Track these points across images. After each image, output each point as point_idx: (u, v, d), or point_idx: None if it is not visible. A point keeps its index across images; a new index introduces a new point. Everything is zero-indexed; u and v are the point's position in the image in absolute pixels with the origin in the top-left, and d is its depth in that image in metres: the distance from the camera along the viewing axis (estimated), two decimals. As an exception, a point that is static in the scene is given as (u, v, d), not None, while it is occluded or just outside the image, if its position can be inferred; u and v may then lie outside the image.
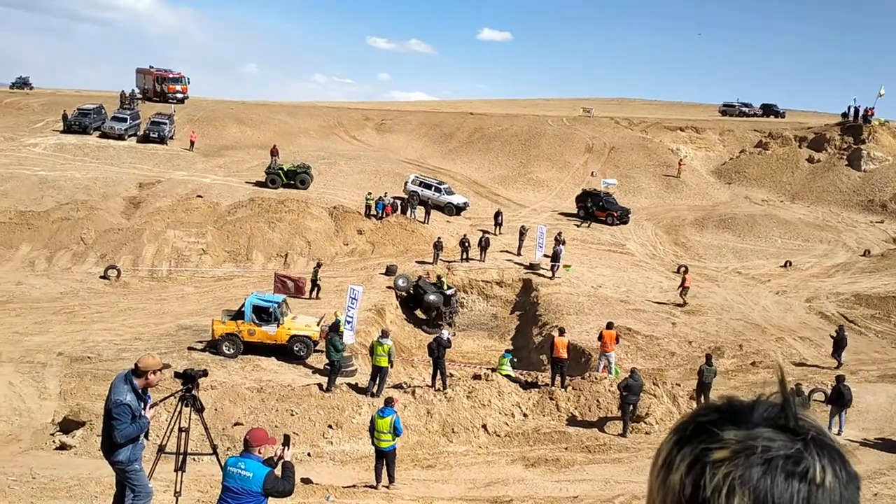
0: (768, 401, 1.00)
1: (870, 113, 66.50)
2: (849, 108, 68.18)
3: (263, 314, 24.87)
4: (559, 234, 41.12)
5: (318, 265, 33.76)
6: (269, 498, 7.66)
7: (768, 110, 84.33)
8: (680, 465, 0.95)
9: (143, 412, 7.92)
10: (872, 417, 22.82)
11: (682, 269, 37.24)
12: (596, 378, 22.86)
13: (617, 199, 51.43)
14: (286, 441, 8.11)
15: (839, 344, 28.40)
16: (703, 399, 22.09)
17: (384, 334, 21.66)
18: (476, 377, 22.83)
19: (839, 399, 20.65)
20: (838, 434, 20.49)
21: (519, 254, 40.31)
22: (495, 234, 41.24)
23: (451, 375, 22.89)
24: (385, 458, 15.90)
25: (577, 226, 48.06)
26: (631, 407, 20.33)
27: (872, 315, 35.73)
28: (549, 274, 37.13)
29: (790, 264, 44.26)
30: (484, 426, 20.13)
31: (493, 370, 24.14)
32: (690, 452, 0.95)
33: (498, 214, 44.35)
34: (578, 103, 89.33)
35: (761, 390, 1.02)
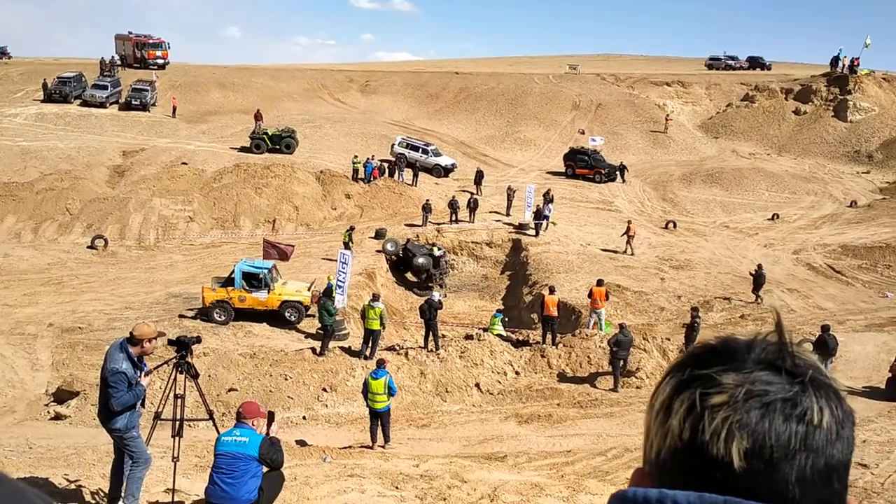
0: (765, 340, 0.99)
1: (856, 63, 66.32)
2: (834, 59, 67.98)
3: (253, 280, 24.86)
4: (548, 190, 41.09)
5: (352, 228, 33.89)
6: (262, 466, 7.73)
7: (755, 63, 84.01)
8: (679, 409, 0.95)
9: (139, 380, 7.94)
10: (860, 366, 23.12)
11: (628, 222, 37.49)
12: (586, 335, 23.06)
13: (605, 156, 51.33)
14: (270, 418, 8.20)
15: (758, 281, 29.42)
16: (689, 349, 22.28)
17: (375, 297, 21.72)
18: (468, 337, 22.99)
19: (823, 348, 20.88)
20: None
21: (508, 214, 40.30)
22: (475, 195, 41.15)
23: (444, 336, 23.03)
24: (380, 419, 16.06)
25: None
26: (621, 362, 20.55)
27: (859, 265, 36.02)
28: (534, 232, 37.19)
29: (777, 217, 44.48)
30: (477, 385, 20.32)
31: (485, 330, 24.32)
32: (689, 397, 0.95)
33: (479, 174, 44.16)
34: (564, 60, 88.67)
35: (757, 333, 1.02)
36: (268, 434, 7.95)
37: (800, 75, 70.51)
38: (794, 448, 0.90)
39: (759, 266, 30.54)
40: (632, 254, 35.65)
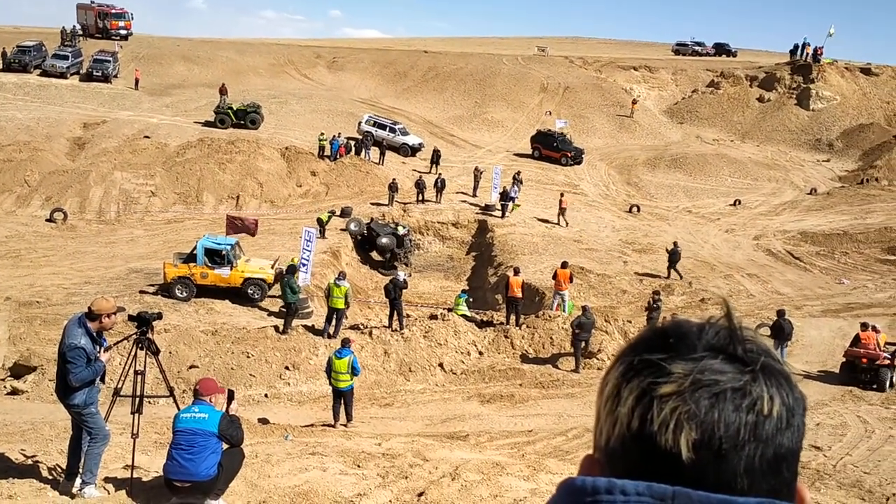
0: (716, 326, 0.97)
1: (820, 52, 67.21)
2: (797, 47, 68.84)
3: (216, 257, 24.61)
4: (518, 172, 41.23)
5: (333, 212, 33.77)
6: (222, 443, 7.70)
7: (721, 49, 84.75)
8: (627, 398, 0.93)
9: (98, 355, 7.84)
10: (816, 351, 23.64)
11: (561, 195, 38.13)
12: (550, 316, 23.24)
13: (571, 138, 51.52)
14: (230, 396, 8.16)
15: (672, 258, 30.43)
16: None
17: (341, 276, 21.65)
18: (433, 317, 23.05)
19: (779, 333, 21.29)
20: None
21: (474, 195, 40.33)
22: (430, 173, 41.13)
23: (408, 316, 23.06)
24: (343, 398, 16.07)
25: None
26: (583, 343, 20.77)
27: (817, 252, 36.77)
28: (500, 214, 37.33)
29: (739, 203, 45.13)
30: (440, 364, 20.40)
31: (450, 310, 24.39)
32: (638, 385, 0.93)
33: (436, 153, 44.07)
34: (533, 42, 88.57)
35: (710, 315, 1.00)
36: (227, 412, 7.91)
37: (764, 63, 71.34)
38: (743, 439, 0.89)
39: (675, 244, 31.50)
40: (566, 225, 36.85)
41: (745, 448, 0.89)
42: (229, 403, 8.08)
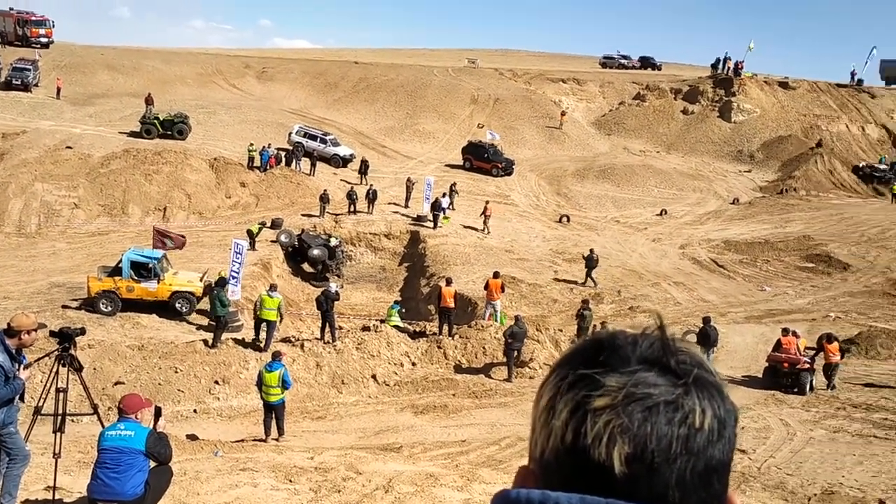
0: (650, 337, 0.98)
1: (740, 66, 69.61)
2: (718, 61, 71.17)
3: (142, 270, 24.02)
4: (453, 184, 41.48)
5: (264, 224, 33.20)
6: (149, 461, 7.51)
7: (646, 63, 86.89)
8: (562, 411, 0.94)
9: (17, 373, 7.56)
10: (740, 356, 24.35)
11: (486, 203, 38.71)
12: (482, 326, 23.39)
13: (502, 150, 52.04)
14: (157, 412, 7.96)
15: (589, 264, 31.29)
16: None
17: (273, 287, 21.39)
18: (365, 329, 22.94)
19: (705, 339, 21.87)
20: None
21: (406, 206, 40.36)
22: (361, 184, 41.09)
23: (340, 328, 22.90)
24: (274, 412, 15.84)
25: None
26: (515, 353, 20.94)
27: (740, 260, 37.93)
28: (432, 224, 37.44)
29: (665, 213, 46.26)
30: (373, 376, 20.30)
31: (382, 321, 24.32)
32: (572, 398, 0.94)
33: (363, 164, 44.03)
34: (464, 54, 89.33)
35: (643, 327, 1.01)
36: (154, 428, 7.72)
37: (688, 76, 73.41)
38: (675, 452, 0.90)
39: (591, 251, 32.28)
40: (488, 233, 37.26)
41: (677, 461, 0.90)
42: (156, 420, 7.88)
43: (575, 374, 0.96)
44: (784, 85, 69.81)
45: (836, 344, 21.29)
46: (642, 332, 0.99)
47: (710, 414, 0.92)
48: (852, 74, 73.98)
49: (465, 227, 38.06)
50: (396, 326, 23.74)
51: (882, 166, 56.87)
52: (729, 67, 69.90)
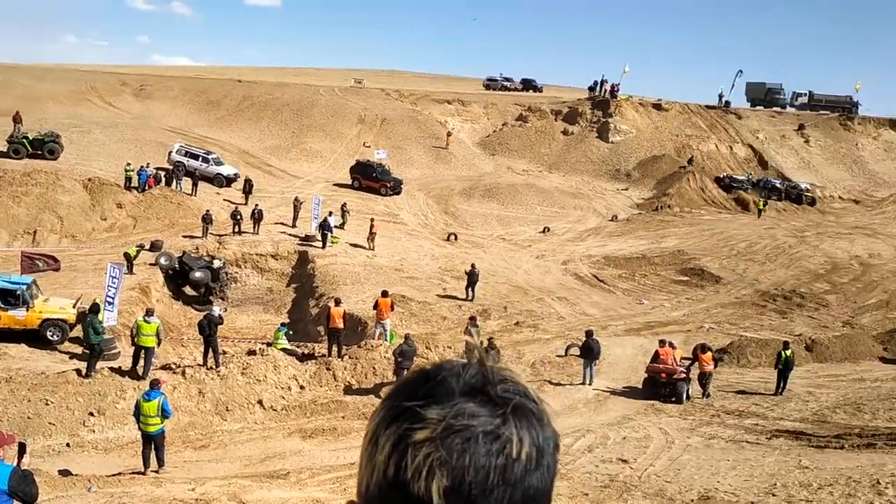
0: (473, 368, 0.99)
1: (616, 88, 72.54)
2: (596, 83, 73.99)
3: (10, 297, 22.64)
4: (344, 204, 41.19)
5: (142, 247, 31.77)
6: (14, 500, 7.04)
7: (528, 85, 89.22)
8: (385, 445, 0.94)
9: None
10: (621, 368, 25.14)
11: (371, 220, 38.97)
12: (372, 346, 23.25)
13: (390, 169, 52.15)
14: (21, 449, 7.49)
15: (471, 279, 31.90)
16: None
17: (149, 312, 20.58)
18: (251, 353, 22.40)
19: (588, 352, 22.51)
20: (588, 384, 22.47)
21: (294, 226, 39.78)
22: (245, 204, 40.34)
23: (224, 353, 22.27)
24: (153, 443, 15.21)
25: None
26: (406, 372, 20.83)
27: (620, 275, 39.28)
28: (320, 244, 37.05)
29: (548, 230, 47.44)
30: (259, 401, 19.80)
31: (269, 344, 23.83)
32: (394, 432, 0.94)
33: (248, 183, 43.24)
34: (350, 74, 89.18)
35: (467, 358, 1.01)
36: (19, 465, 7.25)
37: (568, 98, 75.81)
38: (492, 483, 0.90)
39: (473, 266, 32.83)
40: (373, 249, 37.34)
41: (495, 492, 0.90)
42: (21, 456, 7.41)
43: (399, 407, 0.96)
44: (658, 107, 73.12)
45: (709, 354, 22.31)
46: (469, 362, 1.00)
47: (527, 443, 0.93)
48: (720, 97, 78.44)
49: (354, 246, 37.84)
50: (284, 349, 23.30)
51: (740, 177, 61.53)
52: (606, 90, 72.74)
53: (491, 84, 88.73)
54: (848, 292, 37.28)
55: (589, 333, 23.32)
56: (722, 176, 61.97)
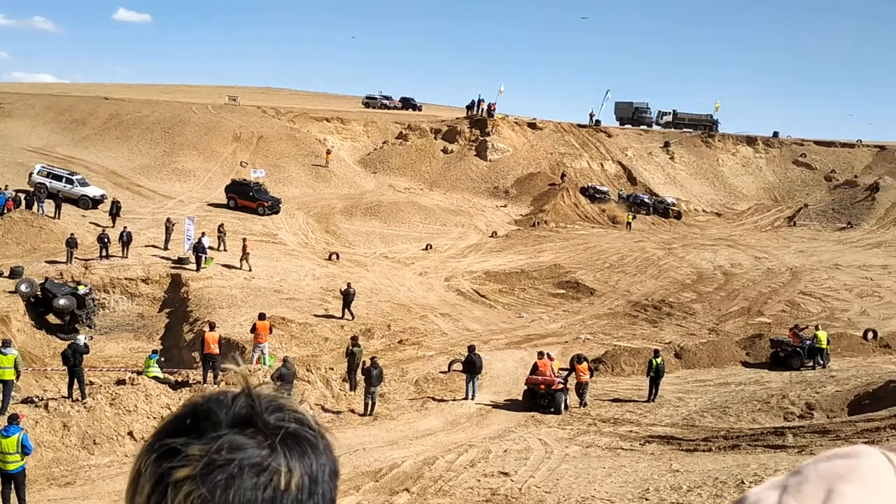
0: (242, 398, 0.95)
1: (493, 108, 74.14)
2: (473, 103, 75.43)
3: None
4: (221, 224, 40.02)
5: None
6: None
7: (407, 103, 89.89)
8: (144, 486, 0.90)
9: None
10: (503, 381, 25.53)
11: (243, 240, 38.40)
12: (250, 370, 22.50)
13: (268, 188, 51.23)
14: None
15: (346, 299, 31.96)
16: (353, 377, 23.08)
17: (6, 343, 19.33)
18: (120, 382, 21.34)
19: (470, 367, 22.77)
20: (471, 399, 22.71)
21: (166, 248, 38.36)
22: (112, 226, 38.74)
23: (91, 383, 21.16)
24: (13, 482, 14.30)
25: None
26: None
27: (500, 289, 39.97)
28: (194, 266, 35.92)
29: (431, 247, 47.77)
30: (130, 433, 18.89)
31: (140, 373, 22.81)
32: (155, 472, 0.90)
33: (115, 205, 41.53)
34: (224, 91, 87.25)
35: (237, 388, 0.97)
36: None
37: (447, 117, 76.87)
38: None
39: (349, 284, 32.73)
40: (249, 270, 36.53)
41: None
42: None
43: (161, 445, 0.91)
44: (532, 125, 75.22)
45: (585, 364, 23.00)
46: (227, 396, 0.96)
47: (298, 472, 0.91)
48: (591, 116, 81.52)
49: (229, 267, 36.84)
50: (156, 377, 22.35)
51: (603, 188, 65.25)
52: (483, 109, 74.20)
53: (370, 102, 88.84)
54: (713, 301, 39.28)
55: (471, 348, 23.61)
56: (587, 186, 64.86)
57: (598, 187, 65.34)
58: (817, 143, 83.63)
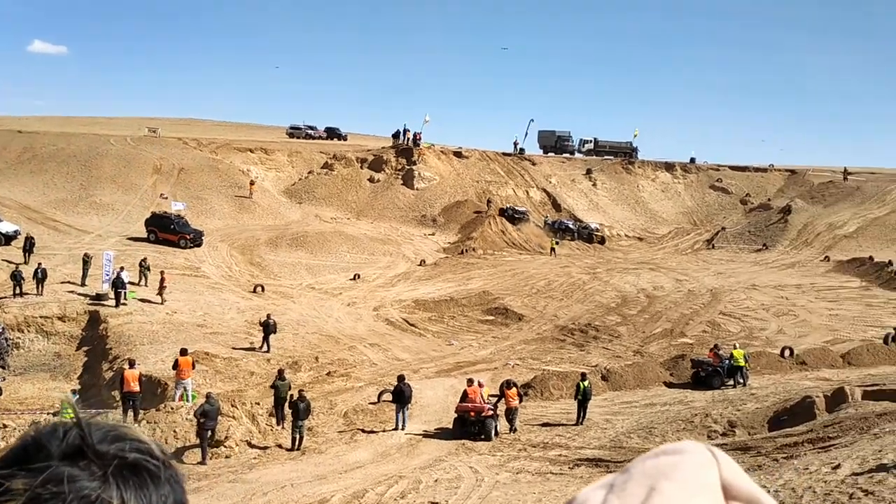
0: (73, 430, 0.91)
1: (418, 137, 74.65)
2: (398, 132, 75.87)
3: None
4: (144, 259, 38.93)
5: None
6: None
7: (332, 133, 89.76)
8: None
9: None
10: (433, 410, 25.41)
11: (161, 273, 37.64)
12: (172, 408, 22.03)
13: (190, 220, 50.22)
14: None
15: (266, 330, 31.60)
16: (280, 411, 22.66)
17: None
18: (35, 425, 20.45)
19: (400, 397, 22.63)
20: (401, 429, 22.54)
21: (83, 284, 37.12)
22: (26, 263, 37.37)
23: (5, 426, 20.24)
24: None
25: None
26: (209, 432, 19.97)
27: (429, 318, 39.94)
28: (114, 302, 34.85)
29: (359, 277, 47.47)
30: (45, 478, 18.08)
31: (56, 414, 21.93)
32: None
33: (28, 241, 40.02)
34: (144, 122, 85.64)
35: (68, 418, 0.94)
36: None
37: (372, 146, 76.98)
38: None
39: (269, 316, 32.26)
40: (163, 303, 35.72)
41: None
42: None
43: None
44: (458, 154, 75.98)
45: (514, 389, 23.10)
46: (57, 427, 0.93)
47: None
48: (515, 144, 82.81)
49: (150, 302, 35.85)
50: (72, 419, 21.51)
51: (521, 209, 66.43)
52: (409, 138, 74.64)
53: (295, 132, 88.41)
54: (637, 323, 40.07)
55: (400, 378, 23.47)
56: (506, 208, 65.87)
57: (516, 208, 66.42)
58: (732, 168, 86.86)
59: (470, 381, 23.72)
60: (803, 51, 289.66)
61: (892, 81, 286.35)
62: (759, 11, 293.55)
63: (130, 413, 21.75)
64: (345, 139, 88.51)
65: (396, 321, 38.96)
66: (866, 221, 68.97)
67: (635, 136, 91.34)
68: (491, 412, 22.26)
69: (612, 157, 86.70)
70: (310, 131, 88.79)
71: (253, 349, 31.56)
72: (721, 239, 69.89)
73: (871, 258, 57.37)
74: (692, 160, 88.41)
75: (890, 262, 55.00)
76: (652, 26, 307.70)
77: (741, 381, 27.83)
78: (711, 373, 27.96)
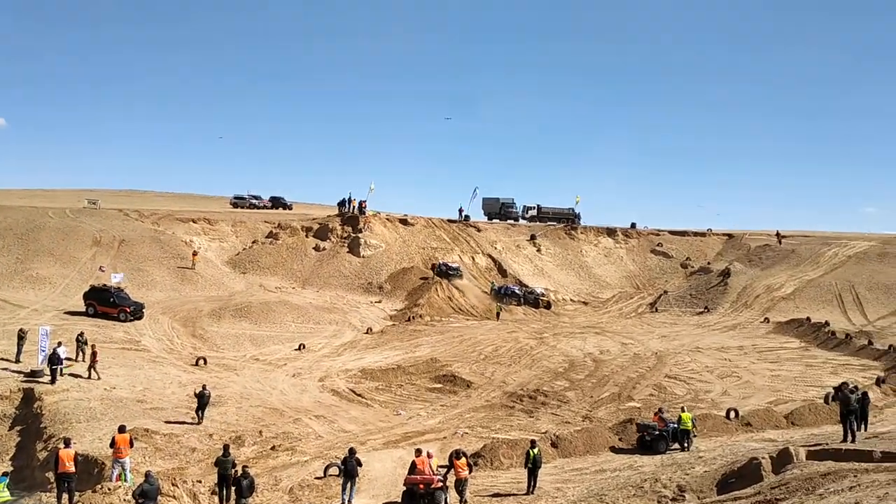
0: None
1: (364, 205, 75.07)
2: (344, 200, 76.27)
3: None
4: (81, 333, 37.79)
5: None
6: None
7: (277, 203, 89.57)
8: None
9: None
10: (381, 483, 24.86)
11: (92, 347, 36.70)
12: (109, 489, 21.10)
13: (130, 293, 49.17)
14: None
15: (200, 401, 31.05)
16: (223, 489, 21.93)
17: None
18: (-40, 511, 19.45)
19: (347, 471, 22.12)
20: (349, 504, 21.96)
21: (18, 360, 35.84)
22: None
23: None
24: None
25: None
26: (149, 513, 19.16)
27: (377, 387, 39.43)
28: (49, 379, 33.65)
29: (304, 347, 46.82)
30: (-29, 569, 17.11)
31: (-15, 499, 20.90)
32: None
33: None
34: (83, 194, 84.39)
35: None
36: None
37: (318, 215, 77.01)
38: None
39: (204, 386, 31.70)
40: (98, 378, 34.76)
41: None
42: None
43: None
44: (404, 221, 76.47)
45: (464, 459, 22.78)
46: None
47: None
48: (460, 211, 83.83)
49: (77, 377, 34.71)
50: (5, 503, 20.52)
51: (454, 265, 67.61)
52: (354, 206, 75.00)
53: (239, 202, 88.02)
54: (584, 388, 40.18)
55: (352, 451, 23.00)
56: (438, 264, 66.49)
57: (449, 264, 67.27)
58: (672, 232, 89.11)
59: (418, 452, 23.31)
60: (735, 117, 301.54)
61: (820, 152, 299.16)
62: (696, 82, 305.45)
63: (65, 496, 20.79)
64: (290, 208, 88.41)
65: (343, 391, 38.37)
66: (802, 283, 71.07)
67: (577, 202, 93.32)
68: (440, 483, 21.86)
69: (555, 223, 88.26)
70: (254, 201, 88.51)
71: (194, 424, 30.67)
72: (664, 302, 71.11)
73: (808, 319, 59.01)
74: (633, 225, 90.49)
75: (826, 323, 56.68)
76: (590, 92, 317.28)
77: (686, 445, 27.97)
78: (657, 437, 28.06)
